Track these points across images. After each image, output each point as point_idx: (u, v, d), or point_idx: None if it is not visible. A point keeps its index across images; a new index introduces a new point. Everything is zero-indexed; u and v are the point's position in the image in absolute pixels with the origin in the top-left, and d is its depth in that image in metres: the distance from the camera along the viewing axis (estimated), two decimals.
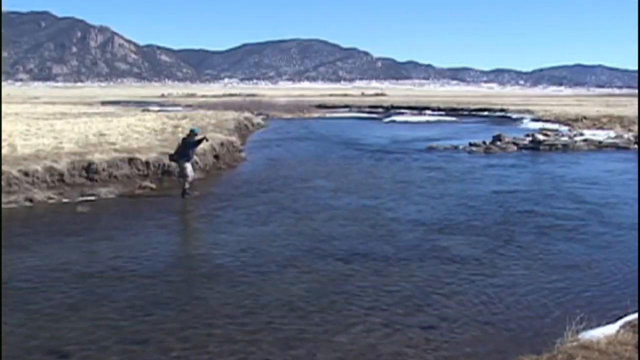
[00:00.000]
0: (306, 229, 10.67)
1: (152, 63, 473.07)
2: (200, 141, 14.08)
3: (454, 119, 51.83)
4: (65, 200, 13.03)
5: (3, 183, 12.58)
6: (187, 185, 13.57)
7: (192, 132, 14.07)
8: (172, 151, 14.72)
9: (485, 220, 11.45)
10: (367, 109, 72.36)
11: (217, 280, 7.90)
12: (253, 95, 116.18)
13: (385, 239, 9.96)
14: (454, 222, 11.35)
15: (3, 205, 12.07)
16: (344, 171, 18.25)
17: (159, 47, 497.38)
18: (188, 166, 13.69)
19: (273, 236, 10.16)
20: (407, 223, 11.18)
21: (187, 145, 13.77)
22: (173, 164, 14.50)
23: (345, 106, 77.37)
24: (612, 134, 28.92)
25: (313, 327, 6.39)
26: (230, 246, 9.52)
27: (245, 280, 7.91)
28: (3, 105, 37.60)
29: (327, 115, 58.93)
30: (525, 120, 45.49)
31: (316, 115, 58.66)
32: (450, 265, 8.65)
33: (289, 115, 56.29)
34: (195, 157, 14.47)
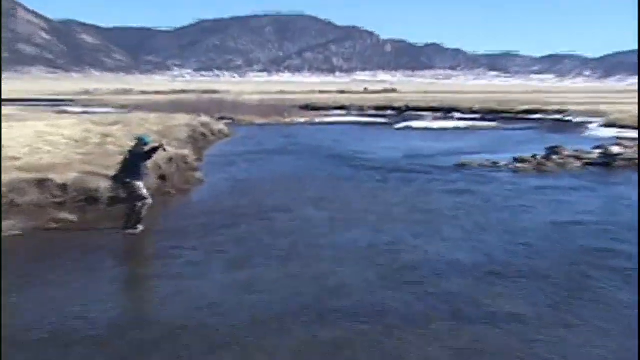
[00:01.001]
0: (295, 276, 10.82)
1: (70, 45, 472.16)
2: (152, 152, 14.27)
3: (493, 124, 52.70)
4: None
5: None
6: (143, 213, 13.75)
7: (140, 142, 14.23)
8: (103, 170, 14.92)
9: (543, 263, 11.57)
10: (373, 111, 73.03)
11: (169, 353, 7.90)
12: (213, 92, 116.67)
13: (407, 289, 10.10)
14: (501, 265, 11.49)
15: None
16: (342, 196, 18.54)
17: (79, 24, 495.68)
18: (139, 186, 13.90)
19: (249, 286, 10.29)
20: (437, 267, 11.35)
21: (135, 159, 13.93)
22: (101, 184, 14.53)
23: (342, 107, 78.19)
24: None
25: None
26: (190, 301, 9.60)
27: (211, 351, 7.91)
28: None
29: (317, 119, 59.55)
30: (594, 126, 46.09)
31: (302, 119, 59.25)
32: (497, 327, 8.71)
33: (263, 120, 56.79)
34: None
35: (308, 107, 75.94)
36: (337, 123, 55.75)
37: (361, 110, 75.51)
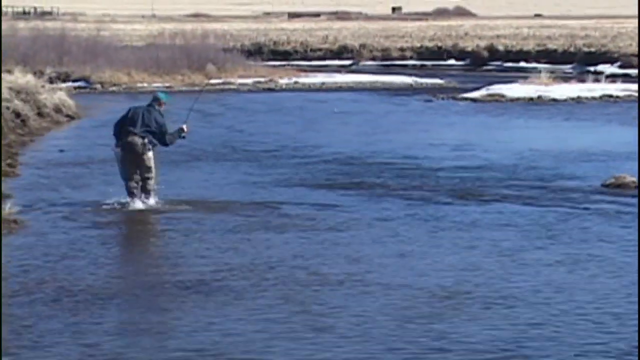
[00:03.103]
0: None
1: None
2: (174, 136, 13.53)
3: None
4: None
5: None
6: (151, 180, 13.09)
7: (158, 100, 13.44)
8: None
9: None
10: (412, 61, 46.28)
11: None
12: (42, 15, 79.57)
13: None
14: None
15: None
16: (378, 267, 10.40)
17: None
18: (149, 154, 13.03)
19: None
20: None
21: (153, 118, 13.03)
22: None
23: (341, 52, 48.14)
24: None
25: None
26: None
27: None
28: None
29: (283, 80, 37.78)
30: None
31: (248, 80, 37.38)
32: None
33: (157, 82, 35.89)
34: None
35: (261, 53, 49.25)
36: (330, 89, 36.75)
37: (386, 58, 47.76)
